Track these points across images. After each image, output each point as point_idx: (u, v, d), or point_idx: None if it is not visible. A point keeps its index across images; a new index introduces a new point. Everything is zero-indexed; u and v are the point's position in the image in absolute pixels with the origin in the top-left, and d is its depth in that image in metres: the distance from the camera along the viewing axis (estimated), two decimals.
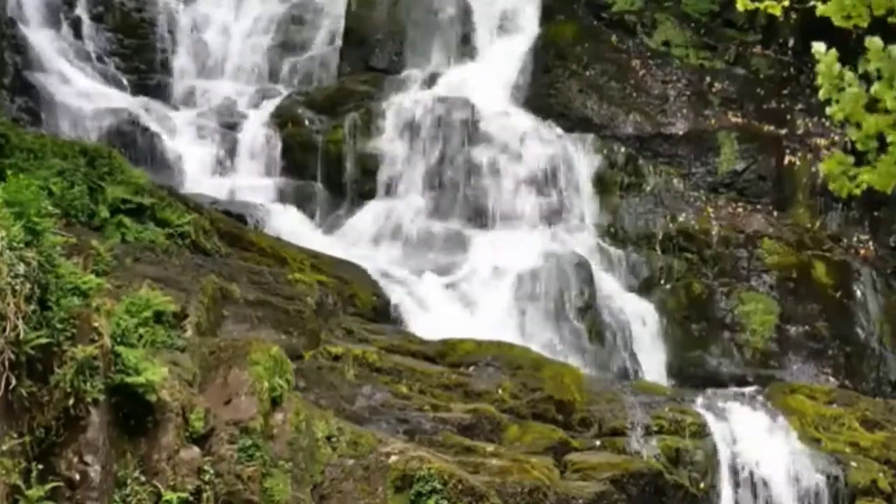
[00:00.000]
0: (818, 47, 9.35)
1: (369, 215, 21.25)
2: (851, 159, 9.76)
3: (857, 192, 9.74)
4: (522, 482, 14.55)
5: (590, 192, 21.61)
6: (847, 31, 9.83)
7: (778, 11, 10.17)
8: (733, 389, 18.43)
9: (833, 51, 9.33)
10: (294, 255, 18.59)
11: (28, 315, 11.25)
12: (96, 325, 11.89)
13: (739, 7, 10.07)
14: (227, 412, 13.06)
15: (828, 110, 9.49)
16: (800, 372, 19.93)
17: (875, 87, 9.37)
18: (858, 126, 9.47)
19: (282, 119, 22.43)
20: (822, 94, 9.44)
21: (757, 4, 10.10)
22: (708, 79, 23.29)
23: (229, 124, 22.50)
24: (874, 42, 9.30)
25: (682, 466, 16.14)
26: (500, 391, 16.38)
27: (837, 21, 9.64)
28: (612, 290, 20.48)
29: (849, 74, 9.33)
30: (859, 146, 9.70)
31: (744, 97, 23.07)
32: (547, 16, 24.02)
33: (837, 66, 9.27)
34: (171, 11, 24.44)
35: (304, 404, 14.12)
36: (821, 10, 9.61)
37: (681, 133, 22.52)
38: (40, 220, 11.71)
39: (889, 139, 9.57)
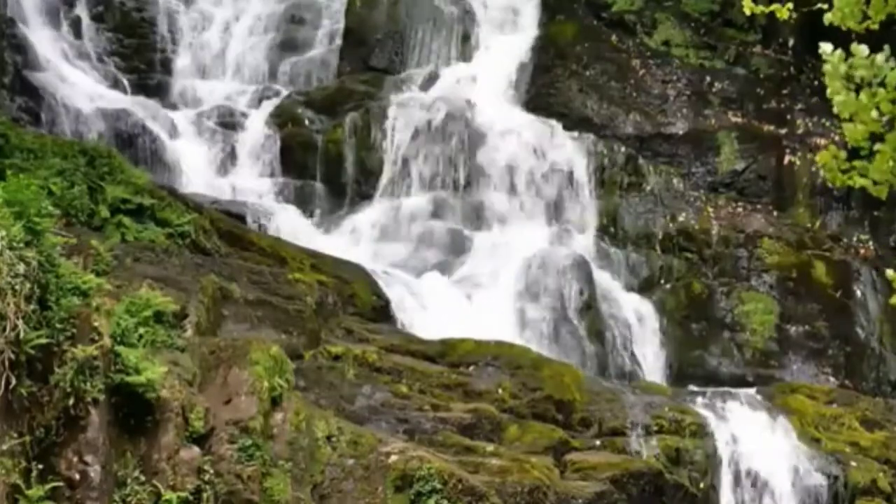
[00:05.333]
0: (825, 47, 9.36)
1: (369, 215, 21.22)
2: (844, 154, 9.78)
3: (851, 183, 9.76)
4: (522, 482, 14.54)
5: (590, 192, 21.59)
6: (847, 31, 9.83)
7: (784, 15, 10.16)
8: (733, 389, 18.41)
9: (839, 51, 9.34)
10: (294, 255, 18.57)
11: (28, 315, 11.25)
12: (96, 324, 11.89)
13: (746, 11, 10.07)
14: (226, 412, 13.06)
15: (835, 100, 9.46)
16: (800, 372, 19.92)
17: (862, 95, 9.37)
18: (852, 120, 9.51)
19: (282, 119, 22.40)
20: (829, 93, 9.44)
21: (762, 8, 10.09)
22: (708, 79, 23.29)
23: (229, 124, 22.47)
24: (858, 49, 9.32)
25: (682, 466, 16.13)
26: (499, 391, 16.38)
27: (838, 21, 9.66)
28: (612, 289, 20.46)
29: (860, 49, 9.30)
30: (851, 143, 9.71)
31: (744, 97, 23.05)
32: (547, 15, 24.02)
33: (843, 66, 9.28)
34: (171, 11, 24.42)
35: (304, 404, 14.11)
36: (828, 17, 9.63)
37: (681, 133, 22.51)
38: (40, 220, 11.70)
39: (875, 147, 9.59)
